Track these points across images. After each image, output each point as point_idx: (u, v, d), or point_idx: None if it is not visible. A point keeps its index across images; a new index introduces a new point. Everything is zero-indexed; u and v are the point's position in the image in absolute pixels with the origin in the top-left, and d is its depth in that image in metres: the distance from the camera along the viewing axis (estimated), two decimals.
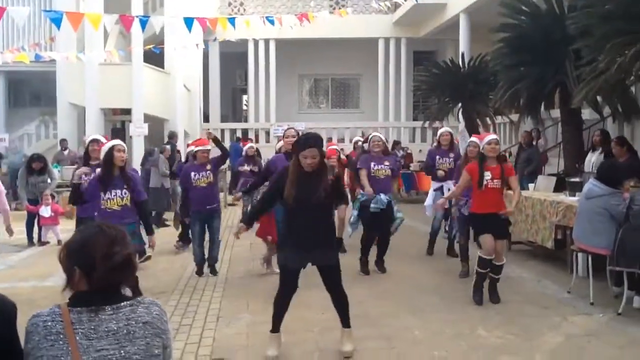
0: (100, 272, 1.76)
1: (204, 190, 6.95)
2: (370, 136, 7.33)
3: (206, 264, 7.18)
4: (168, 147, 12.20)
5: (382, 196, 6.83)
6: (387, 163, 7.05)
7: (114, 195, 5.32)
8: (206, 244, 7.20)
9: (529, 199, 7.51)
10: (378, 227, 6.97)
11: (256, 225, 4.98)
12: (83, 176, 5.71)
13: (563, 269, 6.80)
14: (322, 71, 21.98)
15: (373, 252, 7.10)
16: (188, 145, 9.89)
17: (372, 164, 6.97)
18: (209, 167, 7.04)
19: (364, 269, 6.98)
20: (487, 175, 5.62)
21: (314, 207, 4.20)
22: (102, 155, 5.44)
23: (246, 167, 10.43)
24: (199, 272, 7.12)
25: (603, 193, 5.43)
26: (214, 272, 7.14)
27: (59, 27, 7.80)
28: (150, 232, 5.68)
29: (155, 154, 11.67)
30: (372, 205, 6.79)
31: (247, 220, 4.74)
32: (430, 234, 8.12)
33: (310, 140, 4.20)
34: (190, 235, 7.40)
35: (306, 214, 4.19)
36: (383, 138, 7.26)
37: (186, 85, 17.77)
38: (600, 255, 5.49)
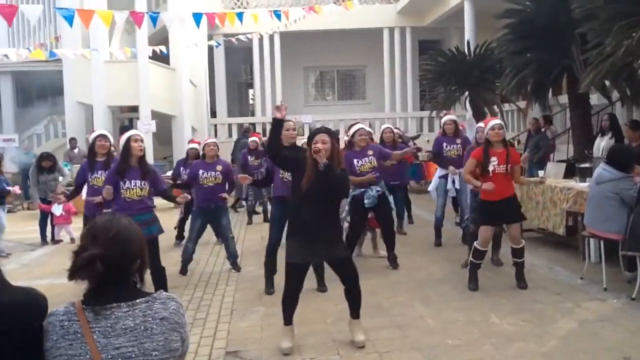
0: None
1: (210, 188, 6.85)
2: (355, 129, 6.66)
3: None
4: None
5: (372, 191, 6.53)
6: (370, 153, 6.60)
7: (133, 185, 5.33)
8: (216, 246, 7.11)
9: (539, 186, 7.48)
10: (379, 219, 6.83)
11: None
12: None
13: (575, 255, 6.78)
14: (327, 63, 21.93)
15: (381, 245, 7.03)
16: (189, 142, 9.77)
17: (355, 160, 6.53)
18: (219, 167, 6.94)
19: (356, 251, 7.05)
20: (494, 160, 5.60)
21: (321, 202, 4.21)
22: (120, 145, 5.51)
23: (250, 159, 10.36)
24: (183, 271, 6.92)
25: (613, 177, 5.40)
26: (236, 268, 7.03)
27: (71, 24, 7.86)
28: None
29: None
30: (365, 201, 6.54)
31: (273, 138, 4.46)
32: (435, 226, 7.98)
33: (322, 129, 4.31)
34: (188, 230, 7.24)
35: (313, 208, 4.19)
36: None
37: (192, 80, 17.75)
38: (612, 240, 5.47)
